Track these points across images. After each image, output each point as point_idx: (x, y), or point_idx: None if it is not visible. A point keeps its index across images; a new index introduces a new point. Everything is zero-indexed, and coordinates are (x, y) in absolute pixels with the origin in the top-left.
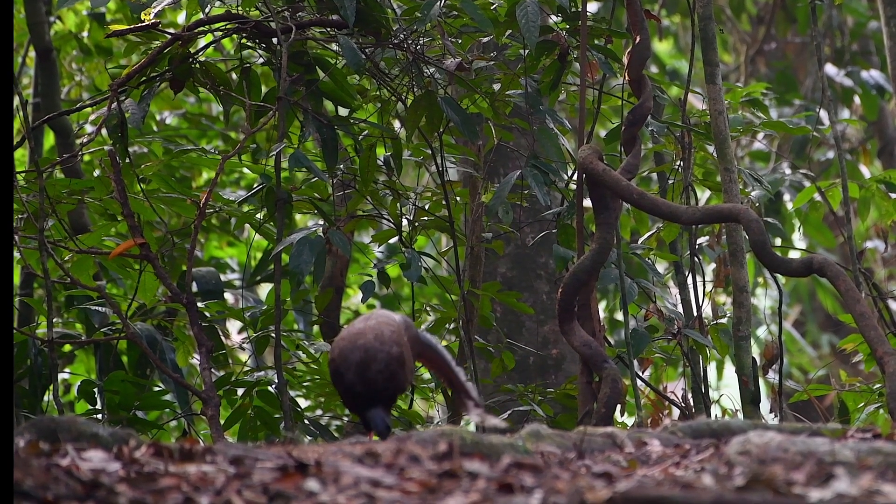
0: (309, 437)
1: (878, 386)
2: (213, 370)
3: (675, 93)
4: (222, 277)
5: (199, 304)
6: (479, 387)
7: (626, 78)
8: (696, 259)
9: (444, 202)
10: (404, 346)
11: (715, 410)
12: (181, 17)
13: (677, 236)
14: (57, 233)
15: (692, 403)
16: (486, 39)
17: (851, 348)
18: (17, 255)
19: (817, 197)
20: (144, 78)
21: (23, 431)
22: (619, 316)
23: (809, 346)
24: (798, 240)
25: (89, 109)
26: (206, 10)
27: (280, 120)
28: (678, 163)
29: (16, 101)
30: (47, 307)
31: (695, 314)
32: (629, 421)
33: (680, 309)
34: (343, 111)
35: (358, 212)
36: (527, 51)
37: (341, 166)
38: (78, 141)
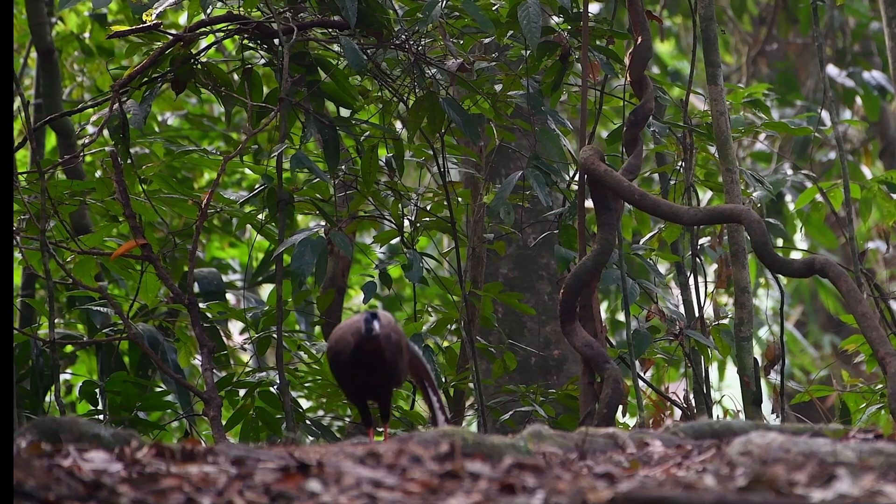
0: (311, 438)
1: (879, 386)
2: (214, 371)
3: (677, 93)
4: (224, 278)
5: (201, 305)
6: (480, 387)
7: (628, 79)
8: (697, 260)
9: (445, 203)
10: (401, 335)
11: (717, 411)
12: (183, 18)
13: (679, 237)
14: (59, 234)
15: (694, 404)
16: (487, 40)
17: (853, 349)
18: (18, 255)
19: (819, 198)
20: (146, 79)
21: (24, 432)
22: (621, 316)
23: (811, 347)
24: (800, 240)
25: (91, 110)
26: (208, 11)
27: (282, 121)
28: (680, 163)
29: (17, 102)
30: (49, 308)
31: (696, 315)
32: (631, 421)
33: (681, 309)
34: (345, 112)
35: (360, 212)
36: (528, 52)
37: (343, 167)
38: (80, 142)
